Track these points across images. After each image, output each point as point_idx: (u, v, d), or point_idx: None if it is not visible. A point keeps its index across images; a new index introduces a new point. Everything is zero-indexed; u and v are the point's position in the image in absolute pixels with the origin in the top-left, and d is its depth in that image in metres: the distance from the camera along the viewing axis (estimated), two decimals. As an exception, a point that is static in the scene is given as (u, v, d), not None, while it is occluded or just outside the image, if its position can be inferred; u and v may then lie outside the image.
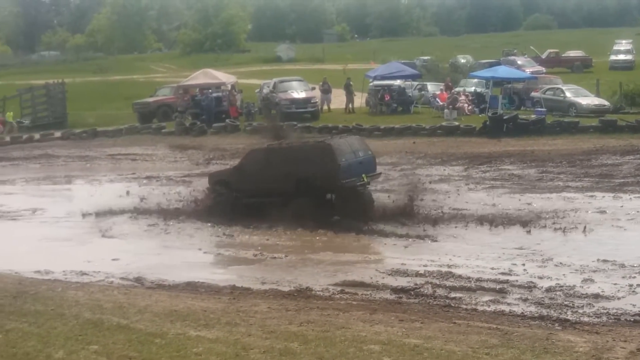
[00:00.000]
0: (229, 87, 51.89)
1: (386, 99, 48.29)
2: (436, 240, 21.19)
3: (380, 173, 25.92)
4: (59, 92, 55.73)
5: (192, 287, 16.98)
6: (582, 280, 16.88)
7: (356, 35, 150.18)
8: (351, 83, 50.54)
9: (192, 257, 20.91)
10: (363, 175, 24.03)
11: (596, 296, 15.76)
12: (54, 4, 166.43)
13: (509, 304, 15.38)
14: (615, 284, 16.60)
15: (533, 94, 47.09)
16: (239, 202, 25.03)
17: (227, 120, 46.87)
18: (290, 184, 23.71)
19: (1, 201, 29.21)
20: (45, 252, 21.87)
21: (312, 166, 23.71)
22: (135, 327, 12.49)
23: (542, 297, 15.77)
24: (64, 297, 14.65)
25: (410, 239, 21.31)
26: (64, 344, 11.52)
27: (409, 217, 23.60)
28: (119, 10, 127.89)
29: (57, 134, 48.48)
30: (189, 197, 27.15)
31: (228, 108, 49.22)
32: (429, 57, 72.13)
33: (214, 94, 50.30)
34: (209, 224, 24.01)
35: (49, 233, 24.44)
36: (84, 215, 26.12)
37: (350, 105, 50.38)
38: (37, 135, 48.56)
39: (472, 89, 49.61)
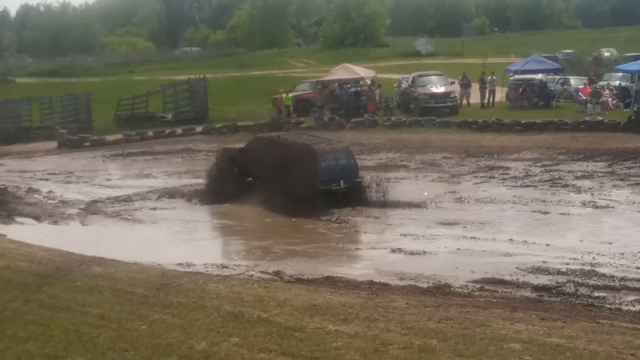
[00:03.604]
0: (368, 82, 51.90)
1: (527, 91, 47.59)
2: (577, 238, 20.70)
3: (360, 180, 26.38)
4: (200, 87, 56.78)
5: (330, 282, 16.98)
6: None
7: (496, 29, 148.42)
8: (495, 77, 50.11)
9: (328, 251, 20.97)
10: (341, 181, 25.42)
11: None
12: (196, 0, 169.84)
13: (655, 304, 14.89)
14: None
15: (681, 87, 45.65)
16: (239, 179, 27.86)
17: (366, 115, 46.92)
18: (278, 175, 25.92)
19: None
20: (187, 245, 22.29)
21: (296, 164, 25.68)
22: (275, 320, 12.55)
23: (691, 298, 15.22)
24: (206, 290, 14.83)
25: (544, 237, 20.94)
26: (206, 336, 11.66)
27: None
28: (260, 5, 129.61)
29: (199, 128, 49.38)
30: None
31: (366, 103, 49.28)
32: (571, 51, 70.89)
33: (353, 89, 50.42)
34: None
35: (191, 226, 24.90)
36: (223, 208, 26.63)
37: (490, 100, 49.93)
38: (179, 130, 49.56)
39: (617, 82, 48.33)
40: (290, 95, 51.93)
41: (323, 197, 24.94)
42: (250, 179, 27.89)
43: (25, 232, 23.98)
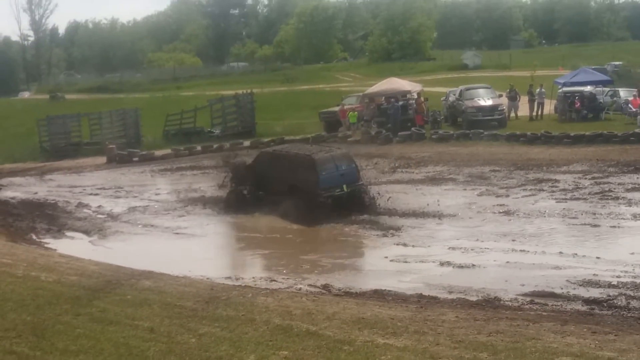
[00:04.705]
0: (415, 95, 51.80)
1: (576, 105, 47.24)
2: (628, 251, 20.46)
3: (362, 183, 27.97)
4: (248, 102, 57.06)
5: (379, 295, 16.94)
6: None
7: (544, 41, 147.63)
8: (544, 90, 49.82)
9: (376, 264, 20.94)
10: (344, 185, 26.43)
11: None
12: (242, 16, 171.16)
13: None
14: None
15: None
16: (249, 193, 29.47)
17: (413, 129, 46.82)
18: (285, 186, 27.43)
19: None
20: (235, 258, 22.36)
21: (299, 174, 27.16)
22: (324, 333, 12.53)
23: None
24: (254, 303, 14.84)
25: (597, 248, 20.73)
26: (255, 349, 11.66)
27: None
28: (306, 20, 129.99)
29: (246, 143, 49.46)
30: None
31: (414, 116, 49.17)
32: (620, 62, 70.25)
33: (400, 102, 50.34)
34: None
35: (240, 240, 24.97)
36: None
37: (538, 112, 49.66)
38: (227, 145, 49.73)
39: (667, 94, 47.82)
40: (354, 112, 51.73)
41: (329, 204, 26.31)
42: (262, 192, 29.23)
43: (75, 246, 24.25)
